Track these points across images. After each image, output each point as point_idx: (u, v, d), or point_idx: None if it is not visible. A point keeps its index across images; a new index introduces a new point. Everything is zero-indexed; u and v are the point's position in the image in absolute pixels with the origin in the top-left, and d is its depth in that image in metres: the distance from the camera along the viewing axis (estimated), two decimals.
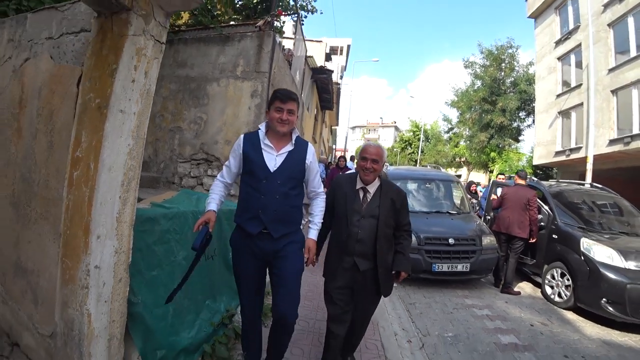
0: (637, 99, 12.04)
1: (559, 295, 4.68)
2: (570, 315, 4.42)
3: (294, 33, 8.27)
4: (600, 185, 6.37)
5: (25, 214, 1.86)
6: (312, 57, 10.29)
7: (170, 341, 2.02)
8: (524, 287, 5.39)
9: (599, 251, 4.28)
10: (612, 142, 12.75)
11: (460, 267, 4.65)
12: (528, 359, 3.26)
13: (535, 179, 6.92)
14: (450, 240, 4.73)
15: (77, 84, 1.71)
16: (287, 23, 9.45)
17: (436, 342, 3.40)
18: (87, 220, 1.44)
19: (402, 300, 4.36)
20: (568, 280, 4.56)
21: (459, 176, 33.16)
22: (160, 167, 5.15)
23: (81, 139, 1.48)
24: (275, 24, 5.43)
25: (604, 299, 4.03)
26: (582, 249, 4.42)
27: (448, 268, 4.64)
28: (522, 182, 5.26)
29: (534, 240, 5.07)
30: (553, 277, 4.82)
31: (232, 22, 6.24)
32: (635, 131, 11.88)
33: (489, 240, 4.92)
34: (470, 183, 11.23)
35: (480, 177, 26.61)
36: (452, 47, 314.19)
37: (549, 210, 5.28)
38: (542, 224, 5.25)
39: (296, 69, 8.20)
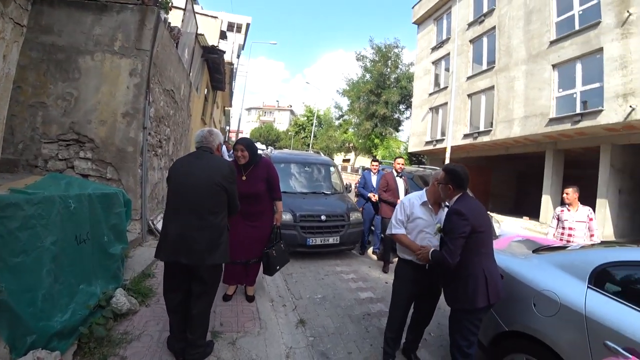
0: (484, 103, 15.23)
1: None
2: None
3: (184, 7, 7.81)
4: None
5: None
6: (203, 35, 9.89)
7: (40, 326, 2.05)
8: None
9: None
10: (466, 136, 15.96)
11: (331, 240, 5.38)
12: (379, 308, 4.09)
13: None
14: (323, 217, 5.38)
15: None
16: None
17: (307, 303, 4.01)
18: None
19: (281, 272, 4.86)
20: None
21: (348, 160, 35.94)
22: (18, 149, 4.44)
23: None
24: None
25: None
26: None
27: (321, 241, 5.31)
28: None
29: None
30: None
31: None
32: (481, 128, 15.12)
33: (356, 215, 5.76)
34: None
35: (366, 162, 29.40)
36: (346, 38, 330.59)
37: (407, 190, 6.46)
38: None
39: (185, 46, 7.84)
